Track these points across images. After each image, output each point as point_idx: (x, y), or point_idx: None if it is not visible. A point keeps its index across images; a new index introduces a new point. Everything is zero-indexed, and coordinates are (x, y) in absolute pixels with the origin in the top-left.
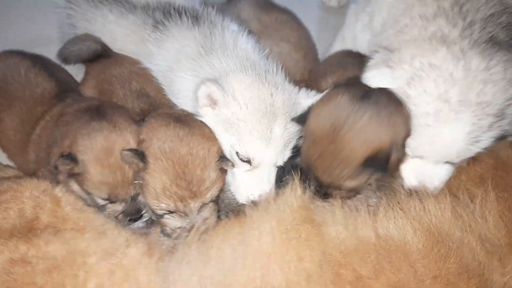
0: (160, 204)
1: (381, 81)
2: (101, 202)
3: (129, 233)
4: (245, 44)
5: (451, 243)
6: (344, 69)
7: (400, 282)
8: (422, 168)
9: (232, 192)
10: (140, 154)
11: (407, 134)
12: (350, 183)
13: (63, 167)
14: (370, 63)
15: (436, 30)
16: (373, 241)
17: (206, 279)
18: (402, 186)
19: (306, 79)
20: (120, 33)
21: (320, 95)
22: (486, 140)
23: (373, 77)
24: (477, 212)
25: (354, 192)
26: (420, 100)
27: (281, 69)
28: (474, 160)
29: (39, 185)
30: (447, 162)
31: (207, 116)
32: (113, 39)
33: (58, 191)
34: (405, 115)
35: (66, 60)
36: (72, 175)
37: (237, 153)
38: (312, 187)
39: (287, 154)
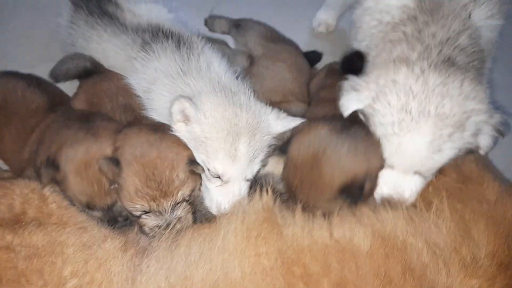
0: (135, 205)
1: (350, 105)
2: (80, 208)
3: (108, 231)
4: (218, 68)
5: (398, 246)
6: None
7: (345, 279)
8: (393, 178)
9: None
10: (114, 161)
11: (381, 166)
12: (325, 209)
13: (46, 173)
14: (341, 91)
15: (399, 53)
16: (326, 242)
17: (171, 271)
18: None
19: (297, 95)
20: (112, 51)
21: (291, 119)
22: (448, 151)
23: (344, 103)
24: (431, 220)
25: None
26: (386, 112)
27: (251, 91)
28: (439, 172)
29: (29, 184)
30: (416, 173)
31: (180, 132)
32: (106, 56)
33: (46, 190)
34: (380, 149)
35: (56, 78)
36: (55, 180)
37: (208, 169)
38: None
39: (256, 167)
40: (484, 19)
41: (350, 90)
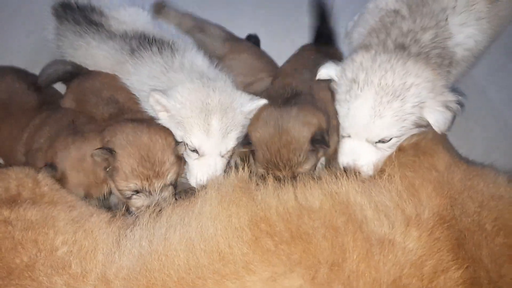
0: (129, 185)
1: (322, 72)
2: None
3: (95, 208)
4: (201, 62)
5: (344, 201)
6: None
7: (302, 230)
8: (350, 146)
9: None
10: (108, 149)
11: (327, 118)
12: (306, 166)
13: (46, 174)
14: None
15: (367, 41)
16: (290, 203)
17: (153, 235)
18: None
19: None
20: (101, 56)
21: (259, 99)
22: (389, 118)
23: (321, 69)
24: (383, 185)
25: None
26: (341, 83)
27: (227, 78)
28: (399, 149)
29: (24, 170)
30: (370, 143)
31: (163, 119)
32: (94, 62)
33: (39, 175)
34: (318, 107)
35: (45, 82)
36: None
37: (186, 144)
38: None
39: (230, 143)
40: (458, 25)
41: (330, 62)
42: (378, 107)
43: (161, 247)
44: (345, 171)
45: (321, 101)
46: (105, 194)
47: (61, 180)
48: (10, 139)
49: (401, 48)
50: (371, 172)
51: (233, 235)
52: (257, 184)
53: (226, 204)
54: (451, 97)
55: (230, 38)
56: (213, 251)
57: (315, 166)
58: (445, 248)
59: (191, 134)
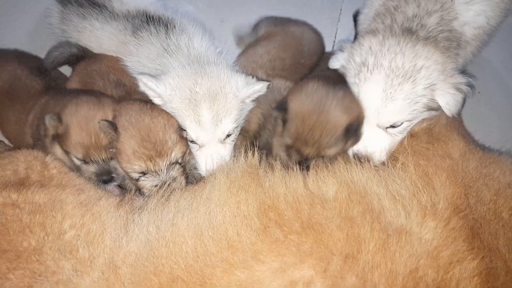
0: (133, 166)
1: (333, 62)
2: (77, 162)
3: (103, 192)
4: (198, 44)
5: (360, 191)
6: None
7: (314, 220)
8: (364, 133)
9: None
10: (113, 125)
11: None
12: (332, 151)
13: (50, 122)
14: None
15: (373, 26)
16: (300, 190)
17: (161, 220)
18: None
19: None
20: (105, 37)
21: (256, 81)
22: (401, 101)
23: (330, 60)
24: (396, 173)
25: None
26: (350, 67)
27: (224, 61)
28: (411, 135)
29: (33, 153)
30: (381, 128)
31: (160, 105)
32: (99, 43)
33: (48, 158)
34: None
35: (51, 64)
36: (56, 136)
37: (186, 135)
38: (294, 161)
39: (227, 127)
40: (464, 3)
41: (337, 50)
42: (390, 89)
43: (169, 233)
44: (356, 157)
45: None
46: (104, 159)
47: (63, 135)
48: (18, 123)
49: (409, 32)
50: (383, 158)
51: (241, 223)
52: (266, 170)
53: (235, 190)
54: (461, 79)
55: (278, 22)
56: (222, 238)
57: (339, 153)
58: (460, 238)
59: (186, 127)
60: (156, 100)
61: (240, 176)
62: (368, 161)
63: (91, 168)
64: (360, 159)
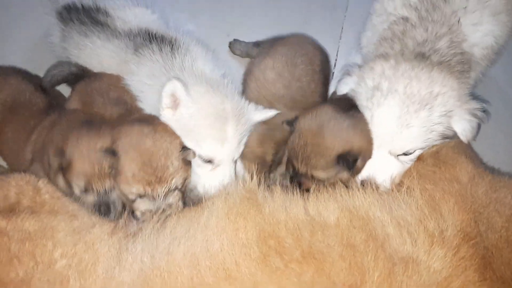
0: (131, 189)
1: (341, 87)
2: (78, 192)
3: (98, 218)
4: (202, 65)
5: (363, 217)
6: None
7: (315, 248)
8: (372, 159)
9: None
10: (111, 152)
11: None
12: (321, 174)
13: (54, 159)
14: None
15: (382, 50)
16: (300, 217)
17: (156, 249)
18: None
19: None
20: (106, 55)
21: (267, 110)
22: (417, 128)
23: (338, 86)
24: (402, 198)
25: (320, 183)
26: (362, 91)
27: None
28: (418, 159)
29: (24, 177)
30: (392, 155)
31: (168, 119)
32: (100, 61)
33: (41, 182)
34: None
35: (49, 83)
36: (60, 168)
37: (199, 155)
38: (288, 175)
39: (241, 149)
40: (471, 25)
41: (345, 74)
42: (405, 116)
43: (164, 262)
44: (362, 184)
45: None
46: (106, 190)
47: (67, 168)
48: (17, 141)
49: (422, 57)
50: (388, 185)
51: (240, 252)
52: (265, 196)
53: (233, 217)
54: (476, 105)
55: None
56: (219, 268)
57: (331, 180)
58: (471, 268)
59: (205, 144)
60: (166, 112)
61: (238, 201)
62: (372, 185)
63: (91, 198)
64: (366, 185)
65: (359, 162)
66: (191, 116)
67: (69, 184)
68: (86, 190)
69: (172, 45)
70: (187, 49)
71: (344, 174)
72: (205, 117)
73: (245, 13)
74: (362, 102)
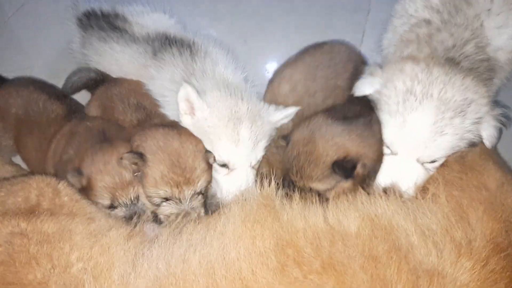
0: (159, 191)
1: (363, 87)
2: (106, 210)
3: (115, 221)
4: (223, 69)
5: (386, 227)
6: None
7: (335, 259)
8: (396, 166)
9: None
10: (138, 153)
11: (376, 158)
12: (318, 185)
13: (72, 179)
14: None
15: (409, 52)
16: (320, 225)
17: (171, 255)
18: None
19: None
20: (125, 60)
21: (287, 108)
22: (450, 136)
23: (358, 85)
24: (426, 206)
25: (322, 196)
26: (391, 94)
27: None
28: (442, 165)
29: (45, 179)
30: (419, 162)
31: (188, 125)
32: (119, 66)
33: (61, 185)
34: (376, 143)
35: (70, 89)
36: (82, 189)
37: (214, 158)
38: (286, 188)
39: (259, 154)
40: (495, 28)
41: (367, 75)
42: (440, 123)
43: (179, 269)
44: (384, 191)
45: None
46: (132, 199)
47: (87, 186)
48: (38, 150)
49: (452, 62)
50: (412, 193)
51: (257, 261)
52: (283, 203)
53: (250, 224)
54: (500, 111)
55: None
56: (235, 278)
57: (331, 190)
58: (502, 281)
59: (219, 146)
60: (185, 118)
61: (255, 208)
62: (395, 193)
63: (120, 213)
64: (389, 193)
65: (359, 168)
66: (206, 119)
67: (95, 203)
68: (112, 206)
69: (191, 49)
70: (206, 53)
71: (346, 184)
72: (219, 119)
73: (264, 18)
74: (391, 105)
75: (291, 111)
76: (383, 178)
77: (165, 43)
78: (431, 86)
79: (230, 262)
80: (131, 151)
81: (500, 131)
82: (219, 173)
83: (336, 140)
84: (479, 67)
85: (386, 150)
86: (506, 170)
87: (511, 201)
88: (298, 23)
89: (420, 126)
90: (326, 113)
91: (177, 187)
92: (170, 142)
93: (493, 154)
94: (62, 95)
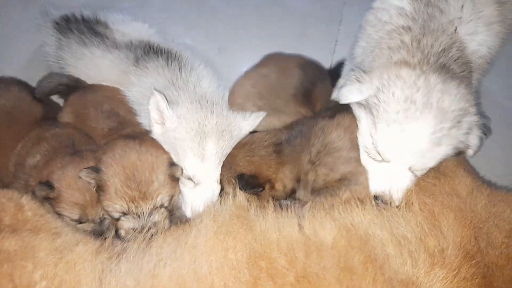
0: (115, 206)
1: (351, 95)
2: (71, 223)
3: (82, 236)
4: (207, 85)
5: (362, 237)
6: None
7: (310, 270)
8: (388, 173)
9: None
10: (94, 169)
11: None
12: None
13: (40, 192)
14: (344, 80)
15: (400, 58)
16: (294, 236)
17: (140, 271)
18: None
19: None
20: (105, 65)
21: (255, 115)
22: (445, 146)
23: (344, 92)
24: (401, 214)
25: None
26: (390, 101)
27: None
28: None
29: (7, 193)
30: (410, 170)
31: (157, 135)
32: (98, 71)
33: (24, 199)
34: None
35: (40, 94)
36: (47, 199)
37: (182, 172)
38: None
39: None
40: (467, 34)
41: (353, 81)
42: (438, 133)
43: (149, 286)
44: (375, 199)
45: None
46: (101, 216)
47: (56, 200)
48: (5, 147)
49: (445, 67)
50: (400, 201)
51: (229, 274)
52: (257, 213)
53: (222, 236)
54: (483, 120)
55: None
56: None
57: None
58: None
59: (185, 159)
60: (155, 128)
61: (228, 219)
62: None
63: (87, 228)
64: (379, 201)
65: (267, 189)
66: (174, 130)
67: (59, 215)
68: (81, 219)
69: (179, 61)
70: (192, 67)
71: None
72: (187, 131)
73: (239, 27)
74: (390, 113)
75: (258, 119)
76: (375, 186)
77: (149, 52)
78: (431, 95)
79: (201, 276)
80: (88, 167)
81: (482, 141)
82: (185, 186)
83: (254, 159)
84: (464, 71)
85: (375, 157)
86: (475, 176)
87: (481, 208)
88: (273, 32)
89: (419, 136)
90: (269, 134)
91: (133, 202)
92: (128, 155)
93: (463, 160)
94: (44, 98)
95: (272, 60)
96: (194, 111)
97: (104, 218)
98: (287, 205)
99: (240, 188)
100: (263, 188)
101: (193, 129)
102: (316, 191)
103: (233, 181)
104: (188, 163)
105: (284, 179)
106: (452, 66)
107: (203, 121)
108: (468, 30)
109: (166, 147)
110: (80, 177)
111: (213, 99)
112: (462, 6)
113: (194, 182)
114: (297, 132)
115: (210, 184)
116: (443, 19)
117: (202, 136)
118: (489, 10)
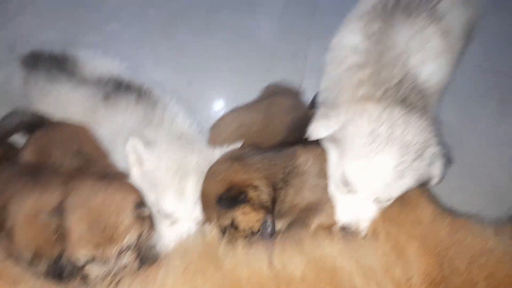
0: (79, 252)
1: (319, 131)
2: (24, 262)
3: (44, 282)
4: (181, 122)
5: (329, 269)
6: None
7: None
8: (354, 204)
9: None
10: (58, 212)
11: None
12: (225, 222)
13: None
14: (314, 118)
15: (364, 93)
16: (264, 272)
17: None
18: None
19: None
20: (73, 103)
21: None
22: (408, 179)
23: (313, 129)
24: (368, 244)
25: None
26: (355, 135)
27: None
28: None
29: None
30: (376, 201)
31: (135, 176)
32: (65, 108)
33: None
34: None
35: (1, 134)
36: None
37: (159, 210)
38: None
39: None
40: (418, 65)
41: (320, 118)
42: (402, 166)
43: None
44: (343, 230)
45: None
46: (56, 257)
47: (8, 233)
48: None
49: (406, 102)
50: (366, 231)
51: None
52: (227, 249)
53: (191, 275)
54: (443, 150)
55: None
56: None
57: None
58: None
59: (164, 198)
60: (134, 170)
61: (197, 257)
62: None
63: (41, 269)
64: (346, 232)
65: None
66: (153, 171)
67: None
68: (33, 259)
69: (151, 98)
70: (166, 104)
71: (244, 209)
72: (167, 169)
73: (208, 61)
74: (356, 147)
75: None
76: (343, 217)
77: (119, 89)
78: (395, 128)
79: None
80: (50, 210)
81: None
82: (161, 224)
83: (218, 178)
84: (420, 99)
85: (343, 188)
86: (437, 204)
87: (444, 235)
88: (241, 66)
89: (384, 168)
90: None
91: (98, 248)
92: (92, 197)
93: (425, 188)
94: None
95: (263, 103)
96: (173, 151)
97: (60, 257)
98: (263, 233)
99: (228, 209)
100: (246, 194)
101: (173, 168)
102: (282, 215)
103: (219, 211)
104: (168, 202)
105: (257, 178)
106: (411, 97)
107: (184, 160)
108: (417, 61)
109: (145, 187)
110: (40, 211)
111: (192, 137)
112: (409, 39)
113: (171, 220)
114: (265, 150)
115: (188, 223)
116: (393, 53)
117: (183, 176)
118: (435, 42)
